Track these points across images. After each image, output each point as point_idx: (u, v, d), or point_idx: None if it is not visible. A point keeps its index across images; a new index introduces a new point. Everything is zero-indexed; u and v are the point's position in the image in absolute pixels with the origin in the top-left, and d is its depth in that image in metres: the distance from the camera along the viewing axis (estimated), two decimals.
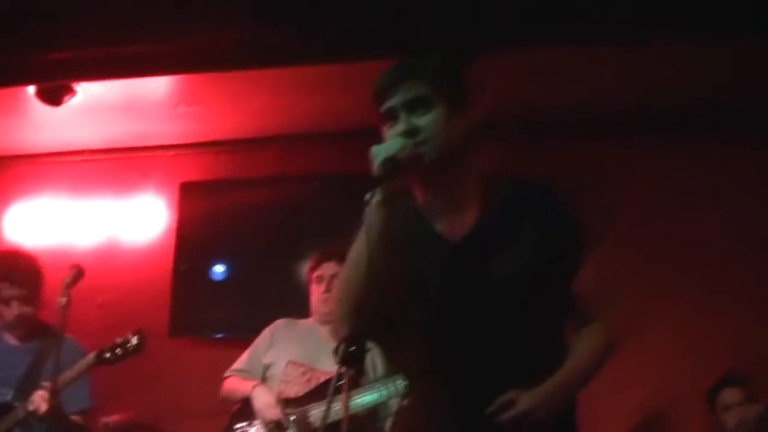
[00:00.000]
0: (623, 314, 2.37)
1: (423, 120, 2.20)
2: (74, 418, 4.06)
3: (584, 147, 5.13)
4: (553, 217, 2.27)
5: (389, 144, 2.18)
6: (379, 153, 2.13)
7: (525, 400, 2.12)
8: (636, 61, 4.56)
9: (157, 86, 4.93)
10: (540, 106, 5.02)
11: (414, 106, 2.21)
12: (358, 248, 2.14)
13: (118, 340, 3.96)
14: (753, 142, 5.05)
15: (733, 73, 4.73)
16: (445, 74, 2.29)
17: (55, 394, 3.71)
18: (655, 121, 5.13)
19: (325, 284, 4.18)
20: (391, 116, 2.24)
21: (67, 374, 3.88)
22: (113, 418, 4.85)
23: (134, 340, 3.97)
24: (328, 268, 4.17)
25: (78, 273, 3.82)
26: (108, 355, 3.93)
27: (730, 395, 4.40)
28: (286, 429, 3.97)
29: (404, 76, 2.25)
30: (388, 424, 4.02)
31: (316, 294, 4.23)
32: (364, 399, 3.86)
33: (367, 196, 2.09)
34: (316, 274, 4.23)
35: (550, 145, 4.98)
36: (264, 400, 4.00)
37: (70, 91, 4.74)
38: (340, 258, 4.01)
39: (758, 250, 5.02)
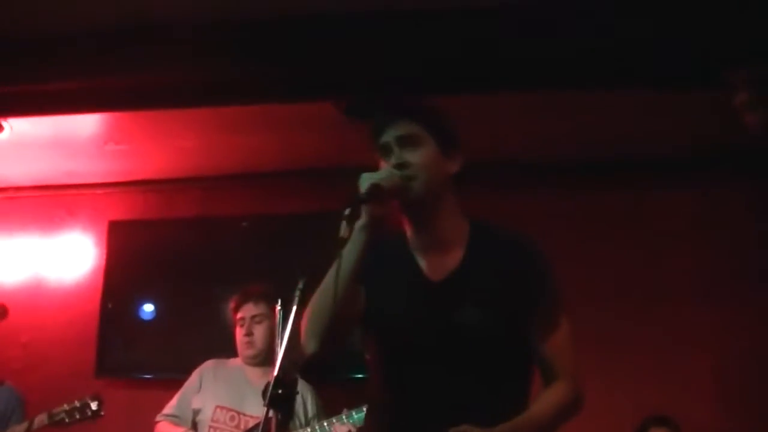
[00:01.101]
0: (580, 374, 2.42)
1: (413, 156, 2.36)
2: None
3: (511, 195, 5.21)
4: (533, 272, 2.38)
5: (378, 173, 2.31)
6: (365, 178, 2.25)
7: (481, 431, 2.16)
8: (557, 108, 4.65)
9: (85, 124, 4.89)
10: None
11: (405, 142, 2.38)
12: (333, 268, 2.23)
13: (77, 403, 3.86)
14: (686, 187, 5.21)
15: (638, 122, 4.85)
16: (436, 116, 2.47)
17: None
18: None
19: (246, 327, 4.17)
20: (386, 151, 2.40)
21: (16, 429, 3.78)
22: None
23: (93, 406, 3.89)
24: (248, 310, 4.18)
25: (1, 312, 3.76)
26: (64, 417, 3.82)
27: None
28: None
29: (400, 114, 2.44)
30: None
31: (239, 336, 4.22)
32: None
33: (346, 211, 2.18)
34: (238, 316, 4.22)
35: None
36: None
37: None
38: (258, 298, 4.06)
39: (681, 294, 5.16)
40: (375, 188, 2.22)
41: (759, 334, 5.00)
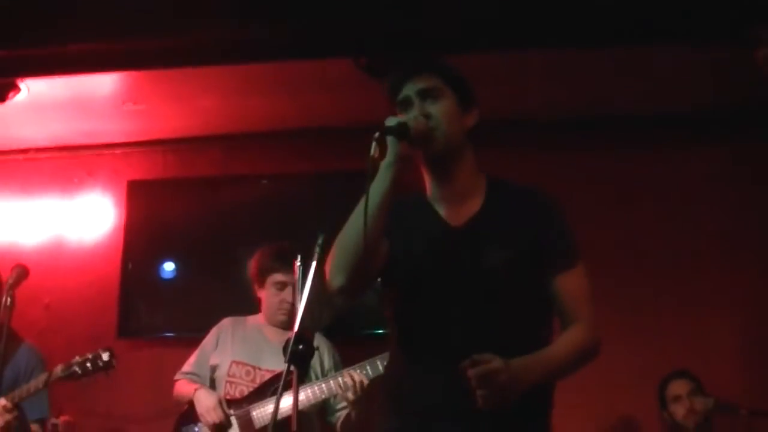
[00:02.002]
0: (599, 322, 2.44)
1: (434, 108, 2.42)
2: (33, 426, 3.99)
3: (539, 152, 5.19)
4: (550, 218, 2.47)
5: (404, 116, 2.39)
6: (392, 119, 2.33)
7: (498, 361, 2.18)
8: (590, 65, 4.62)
9: (103, 84, 4.87)
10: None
11: (426, 95, 2.44)
12: (360, 205, 2.26)
13: (89, 355, 3.87)
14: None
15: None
16: (455, 71, 2.53)
17: (16, 406, 3.68)
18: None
19: (285, 292, 4.13)
20: (407, 105, 2.46)
21: (31, 384, 3.81)
22: (62, 419, 4.80)
23: (105, 357, 3.89)
24: (289, 276, 4.09)
25: (21, 273, 3.77)
26: (77, 369, 3.84)
27: (678, 386, 4.51)
28: (229, 430, 3.98)
29: (420, 68, 2.49)
30: (338, 420, 4.04)
31: (275, 300, 4.17)
32: (309, 395, 3.86)
33: (376, 135, 2.26)
34: (274, 279, 4.17)
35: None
36: (205, 403, 4.00)
37: (15, 89, 4.67)
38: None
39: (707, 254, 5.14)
40: (403, 126, 2.29)
41: None
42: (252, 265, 4.27)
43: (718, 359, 4.95)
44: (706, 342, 5.02)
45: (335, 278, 2.33)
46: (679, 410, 4.47)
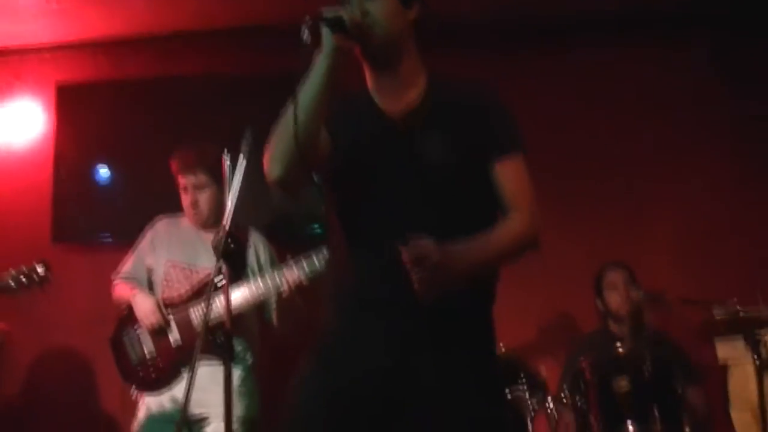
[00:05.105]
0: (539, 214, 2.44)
1: (373, 5, 2.36)
2: None
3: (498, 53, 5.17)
4: (492, 109, 2.46)
5: (341, 8, 2.32)
6: (329, 10, 2.28)
7: (432, 242, 2.19)
8: None
9: None
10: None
11: None
12: (298, 94, 2.26)
13: (24, 269, 3.79)
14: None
15: None
16: None
17: None
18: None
19: (191, 195, 4.11)
20: (345, 2, 2.38)
21: None
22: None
23: (40, 271, 3.82)
24: (189, 180, 4.10)
25: None
26: (11, 283, 3.76)
27: (615, 275, 4.62)
28: (169, 331, 3.98)
29: None
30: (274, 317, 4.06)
31: (185, 203, 4.16)
32: (247, 294, 3.87)
33: (307, 20, 2.24)
34: (180, 182, 4.15)
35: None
36: (143, 307, 4.00)
37: None
38: (197, 167, 4.00)
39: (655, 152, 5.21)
40: (338, 20, 2.26)
41: (720, 191, 5.08)
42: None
43: (654, 253, 5.06)
44: (643, 237, 5.11)
45: (273, 169, 2.31)
46: (614, 298, 4.58)
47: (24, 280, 3.74)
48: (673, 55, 5.26)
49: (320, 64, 2.27)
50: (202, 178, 4.06)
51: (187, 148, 4.18)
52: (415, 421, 2.30)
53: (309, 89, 2.25)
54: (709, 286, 4.80)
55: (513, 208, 2.40)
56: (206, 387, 3.55)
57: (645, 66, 5.29)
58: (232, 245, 2.30)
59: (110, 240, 5.29)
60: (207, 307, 2.37)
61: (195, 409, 3.80)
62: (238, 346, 3.89)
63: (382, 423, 2.31)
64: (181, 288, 4.03)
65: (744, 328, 4.05)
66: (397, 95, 2.45)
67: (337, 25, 2.26)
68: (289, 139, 2.23)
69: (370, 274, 2.37)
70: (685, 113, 5.27)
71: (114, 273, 4.23)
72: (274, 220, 4.56)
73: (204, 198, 4.09)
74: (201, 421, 3.90)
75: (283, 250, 4.07)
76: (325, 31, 2.25)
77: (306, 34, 2.22)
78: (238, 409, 3.79)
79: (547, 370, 4.19)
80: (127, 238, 4.46)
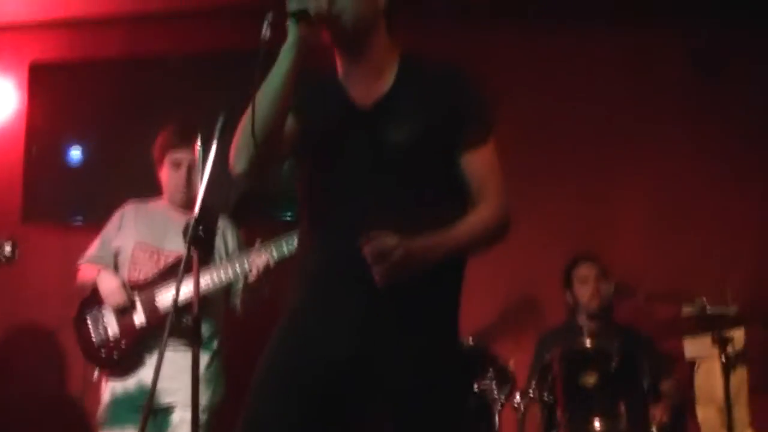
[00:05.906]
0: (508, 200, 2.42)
1: None
2: None
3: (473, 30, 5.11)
4: (464, 95, 2.40)
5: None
6: (293, 2, 2.24)
7: (393, 239, 2.18)
8: None
9: None
10: None
11: None
12: (260, 91, 2.24)
13: None
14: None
15: None
16: None
17: None
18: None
19: (185, 170, 4.07)
20: None
21: None
22: None
23: (7, 250, 3.78)
24: (186, 154, 4.03)
25: None
26: None
27: (587, 269, 4.60)
28: (134, 312, 3.96)
29: None
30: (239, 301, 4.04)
31: (174, 179, 4.10)
32: (214, 278, 3.85)
33: (268, 16, 2.22)
34: (172, 156, 4.08)
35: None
36: (107, 285, 3.96)
37: None
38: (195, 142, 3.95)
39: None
40: (303, 13, 2.22)
41: (692, 166, 5.05)
42: (155, 144, 4.16)
43: (622, 237, 5.02)
44: (612, 221, 5.08)
45: (237, 164, 2.31)
46: (584, 292, 4.57)
47: None
48: (648, 40, 5.21)
49: (283, 57, 2.25)
50: (190, 154, 4.00)
51: (180, 122, 4.12)
52: (374, 403, 2.32)
53: (271, 83, 2.24)
54: (680, 268, 4.82)
55: (482, 198, 2.38)
56: (172, 375, 3.53)
57: (617, 50, 5.22)
58: (201, 230, 2.29)
59: (81, 221, 5.25)
60: (177, 290, 2.35)
61: (161, 399, 3.79)
62: (205, 331, 3.87)
63: (341, 403, 2.31)
64: (147, 270, 3.99)
65: (712, 326, 4.07)
66: (367, 83, 2.42)
67: (301, 17, 2.22)
68: (252, 136, 2.22)
69: (333, 255, 2.35)
70: (661, 101, 5.22)
71: (81, 257, 4.18)
72: (244, 204, 4.53)
73: (186, 173, 4.05)
74: (166, 410, 3.88)
75: (253, 234, 4.05)
76: (290, 23, 2.23)
77: (266, 30, 2.20)
78: (203, 396, 3.76)
79: (515, 364, 4.18)
80: (99, 219, 4.42)
